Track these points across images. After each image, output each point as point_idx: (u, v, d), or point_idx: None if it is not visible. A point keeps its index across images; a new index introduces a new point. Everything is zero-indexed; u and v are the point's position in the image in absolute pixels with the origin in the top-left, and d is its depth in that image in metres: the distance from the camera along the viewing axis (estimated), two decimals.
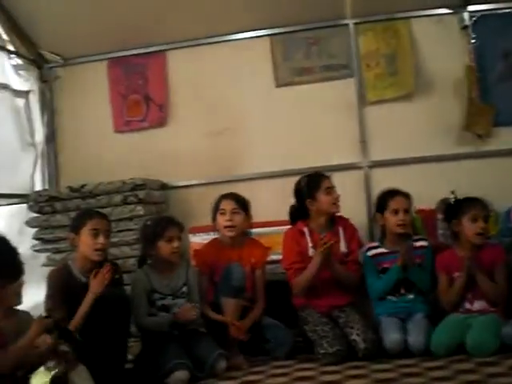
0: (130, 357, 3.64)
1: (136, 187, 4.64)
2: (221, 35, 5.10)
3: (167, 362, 3.38)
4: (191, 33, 5.08)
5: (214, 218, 4.07)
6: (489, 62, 4.75)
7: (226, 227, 4.00)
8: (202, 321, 3.75)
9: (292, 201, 4.16)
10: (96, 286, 3.32)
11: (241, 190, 4.80)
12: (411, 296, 3.82)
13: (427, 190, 4.55)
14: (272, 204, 4.70)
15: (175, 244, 3.71)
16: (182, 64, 5.19)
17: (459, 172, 4.67)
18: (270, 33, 5.05)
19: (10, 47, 5.04)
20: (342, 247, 3.98)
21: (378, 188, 4.36)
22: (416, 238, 4.00)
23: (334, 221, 4.05)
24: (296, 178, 4.20)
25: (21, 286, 3.10)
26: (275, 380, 3.33)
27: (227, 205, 4.04)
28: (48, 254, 4.76)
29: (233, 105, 5.10)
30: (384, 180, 4.62)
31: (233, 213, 4.01)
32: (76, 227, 3.52)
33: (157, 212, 4.81)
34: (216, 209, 4.06)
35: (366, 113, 4.91)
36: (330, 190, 4.00)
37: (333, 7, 4.76)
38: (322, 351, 3.56)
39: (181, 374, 3.35)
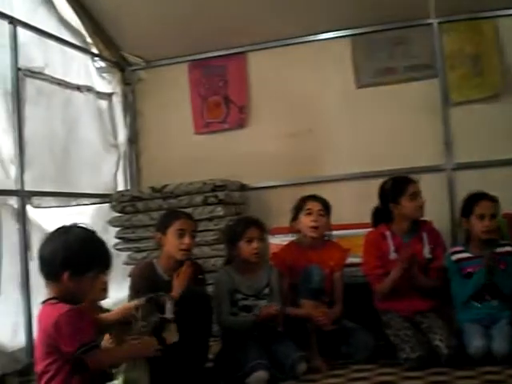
0: (210, 356, 3.66)
1: (216, 188, 4.68)
2: (302, 36, 5.10)
3: (248, 362, 3.37)
4: (271, 34, 5.09)
5: (296, 218, 4.03)
6: None
7: (311, 227, 3.97)
8: (282, 323, 3.72)
9: (373, 203, 4.09)
10: (178, 285, 3.35)
11: (321, 191, 4.75)
12: (495, 302, 3.70)
13: None
14: (352, 206, 4.67)
15: (255, 245, 3.70)
16: (263, 65, 5.21)
17: None
18: (351, 33, 5.01)
19: (94, 50, 5.19)
20: (426, 253, 3.89)
21: (462, 191, 4.25)
22: (502, 243, 3.87)
23: (418, 225, 3.96)
24: (377, 181, 4.13)
25: (107, 280, 3.18)
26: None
27: (314, 206, 4.01)
28: (129, 252, 4.85)
29: (313, 106, 5.08)
30: (468, 183, 4.50)
31: (319, 214, 3.98)
32: (163, 227, 3.56)
33: (236, 213, 4.83)
34: (299, 209, 4.03)
35: (450, 114, 4.82)
36: (416, 195, 3.90)
37: (416, 7, 4.66)
38: (405, 356, 3.49)
39: (261, 374, 3.34)
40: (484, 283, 3.68)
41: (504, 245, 3.84)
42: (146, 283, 3.38)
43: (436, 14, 4.77)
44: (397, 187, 3.93)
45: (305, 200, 4.06)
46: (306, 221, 3.99)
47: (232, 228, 3.87)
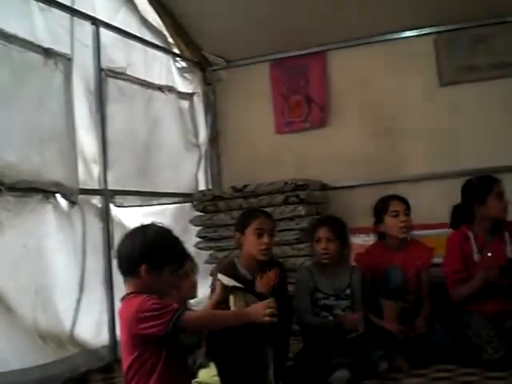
0: (290, 355, 3.68)
1: (297, 187, 4.71)
2: (383, 34, 5.09)
3: (330, 360, 3.39)
4: (352, 32, 5.10)
5: (380, 220, 4.01)
6: None
7: (400, 228, 3.96)
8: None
9: (454, 203, 4.03)
10: (262, 288, 3.37)
11: (402, 190, 4.74)
12: None
13: None
14: (433, 206, 4.62)
15: (322, 245, 3.71)
16: (343, 64, 5.23)
17: None
18: (434, 31, 4.97)
19: (175, 50, 5.29)
20: (508, 253, 3.82)
21: None
22: None
23: (500, 224, 3.89)
24: (459, 180, 4.06)
25: (196, 279, 3.25)
26: (437, 383, 3.26)
27: (400, 206, 3.99)
28: (211, 251, 4.93)
29: (395, 105, 5.07)
30: None
31: (405, 214, 3.97)
32: (242, 227, 3.57)
33: (317, 212, 4.84)
34: (383, 210, 3.99)
35: None
36: (501, 195, 3.84)
37: (499, 3, 4.60)
38: (487, 357, 3.45)
39: (343, 373, 3.35)
40: None
41: None
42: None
43: None
44: (483, 186, 3.87)
45: (387, 201, 4.04)
46: (393, 222, 3.97)
47: (308, 228, 3.92)
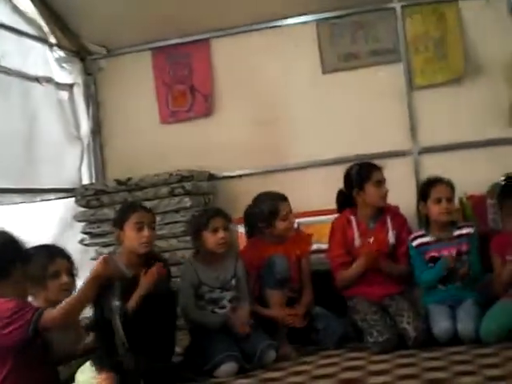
0: (179, 350, 3.64)
1: (183, 179, 4.64)
2: (266, 21, 5.05)
3: (216, 354, 3.37)
4: (235, 20, 5.04)
5: (271, 224, 3.90)
6: None
7: (288, 229, 3.93)
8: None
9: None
10: (145, 284, 3.30)
11: (289, 179, 4.84)
12: (459, 283, 3.74)
13: (478, 175, 4.47)
14: (320, 193, 4.66)
15: (220, 234, 3.67)
16: (227, 52, 5.17)
17: (510, 156, 4.54)
18: (315, 18, 4.98)
19: (52, 40, 5.05)
20: (391, 238, 3.90)
21: (427, 175, 4.24)
22: (461, 225, 3.91)
23: (383, 210, 3.97)
24: (344, 166, 4.12)
25: (68, 281, 3.12)
26: (324, 370, 3.29)
27: (288, 207, 3.95)
28: (96, 247, 4.79)
29: (279, 92, 5.05)
30: (434, 166, 4.53)
31: (291, 213, 3.95)
32: (120, 222, 3.49)
33: (205, 203, 4.80)
34: (274, 214, 3.89)
35: (415, 98, 4.82)
36: (380, 183, 3.91)
37: None
38: (372, 340, 3.52)
39: (229, 367, 3.35)
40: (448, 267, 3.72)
41: (463, 226, 3.88)
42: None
43: None
44: (362, 173, 3.93)
45: (277, 204, 3.92)
46: (285, 225, 3.91)
47: (196, 218, 3.84)
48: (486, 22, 4.70)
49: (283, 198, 3.93)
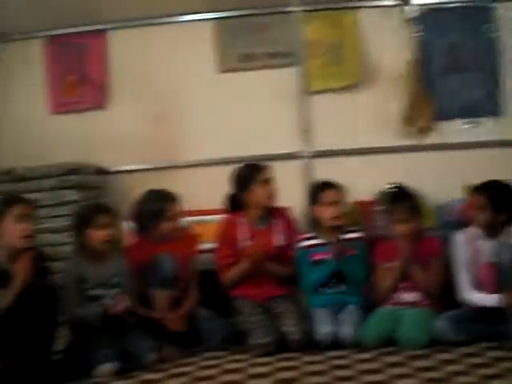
0: (60, 348, 3.51)
1: (70, 171, 4.50)
2: (164, 16, 4.99)
3: (95, 354, 3.29)
4: (134, 12, 4.94)
5: (156, 224, 3.83)
6: (432, 56, 4.78)
7: (173, 229, 3.85)
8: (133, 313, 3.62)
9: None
10: (18, 275, 3.17)
11: (181, 176, 4.78)
12: (344, 287, 3.79)
13: (368, 181, 4.56)
14: (211, 192, 4.58)
15: (105, 232, 3.57)
16: (124, 44, 5.05)
17: (400, 164, 4.71)
18: (215, 16, 4.96)
19: None
20: (278, 240, 3.91)
21: (319, 178, 4.29)
22: (349, 229, 3.97)
23: (271, 212, 3.97)
24: (236, 166, 4.10)
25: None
26: (204, 372, 3.26)
27: (175, 208, 3.87)
28: None
29: (175, 89, 4.99)
30: (326, 170, 4.60)
31: (180, 213, 3.90)
32: None
33: (92, 198, 4.67)
34: (160, 214, 3.82)
35: (310, 102, 4.87)
36: (267, 182, 3.90)
37: None
38: (254, 342, 3.50)
39: (108, 366, 3.26)
40: (333, 271, 3.76)
41: (352, 231, 3.93)
42: None
43: (298, 2, 4.83)
44: (248, 174, 3.92)
45: (166, 203, 3.86)
46: (167, 225, 3.84)
47: (81, 214, 3.73)
48: (383, 31, 4.81)
49: (171, 199, 3.86)
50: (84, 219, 3.63)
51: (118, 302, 3.50)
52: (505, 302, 3.29)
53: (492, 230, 3.52)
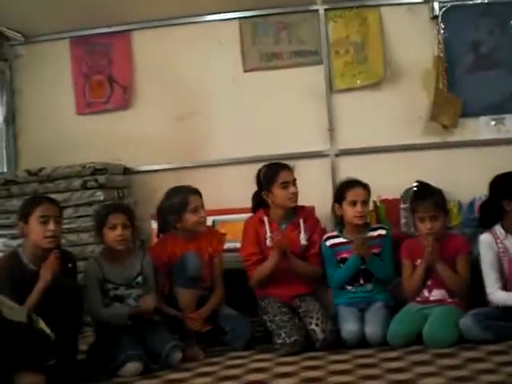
0: (84, 347, 3.56)
1: (96, 171, 4.54)
2: (189, 16, 4.99)
3: (120, 353, 3.30)
4: (158, 12, 4.96)
5: (181, 217, 3.84)
6: (457, 53, 4.74)
7: (199, 223, 3.86)
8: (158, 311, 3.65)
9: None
10: (44, 274, 3.21)
11: (206, 175, 4.81)
12: (370, 286, 3.78)
13: (393, 179, 4.57)
14: (238, 191, 4.63)
15: (118, 232, 3.59)
16: (148, 45, 5.07)
17: (425, 162, 4.68)
18: (239, 16, 4.96)
19: None
20: (302, 239, 3.90)
21: (344, 176, 4.28)
22: (375, 226, 3.98)
23: (296, 211, 3.97)
24: (260, 166, 4.09)
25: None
26: (230, 371, 3.26)
27: (198, 200, 3.88)
28: (4, 239, 4.62)
29: (199, 88, 5.00)
30: (351, 169, 4.59)
31: (203, 207, 3.90)
32: (24, 215, 3.37)
33: (118, 198, 4.70)
34: (184, 206, 3.83)
35: (334, 100, 4.86)
36: (287, 184, 3.87)
37: None
38: (280, 341, 3.50)
39: (133, 366, 3.28)
40: (358, 268, 3.75)
41: (376, 228, 3.92)
42: (8, 274, 3.21)
43: (322, 0, 4.82)
44: (268, 175, 3.92)
45: (186, 195, 3.87)
46: (195, 218, 3.84)
47: (97, 214, 3.77)
48: (407, 28, 4.79)
49: (194, 191, 3.88)
50: (100, 219, 3.66)
51: (145, 304, 3.52)
52: None
53: None
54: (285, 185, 3.87)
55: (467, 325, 3.36)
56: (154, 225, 4.37)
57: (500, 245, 3.52)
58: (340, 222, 3.97)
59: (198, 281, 3.71)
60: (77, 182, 4.51)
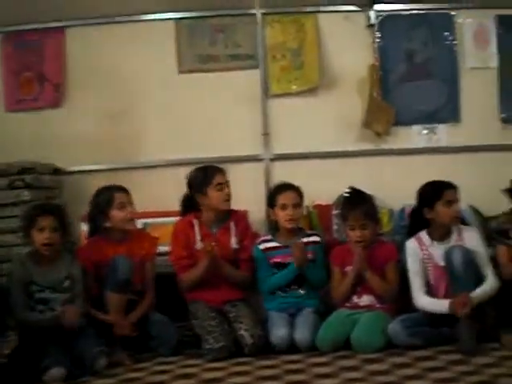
0: (6, 351, 3.46)
1: (24, 171, 4.39)
2: (125, 15, 4.90)
3: (44, 359, 3.22)
4: (93, 10, 4.84)
5: (107, 214, 3.80)
6: (392, 62, 4.79)
7: (125, 220, 3.81)
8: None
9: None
10: None
11: (138, 177, 4.73)
12: (302, 291, 3.78)
13: (327, 185, 4.58)
14: (170, 193, 4.53)
15: (46, 234, 3.50)
16: (82, 43, 4.94)
17: (359, 168, 4.72)
18: (175, 16, 4.90)
19: None
20: (233, 243, 3.88)
21: (278, 181, 4.27)
22: (308, 233, 3.98)
23: (227, 215, 3.94)
24: (192, 168, 4.07)
25: None
26: (156, 377, 3.22)
27: (124, 197, 3.84)
28: None
29: (133, 88, 4.90)
30: (285, 173, 4.57)
31: (130, 204, 3.84)
32: None
33: (47, 198, 4.56)
34: (109, 202, 3.79)
35: (270, 105, 4.85)
36: (222, 185, 3.87)
37: None
38: (208, 347, 3.48)
39: (56, 372, 3.19)
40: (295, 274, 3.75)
41: (310, 234, 3.93)
42: None
43: (260, 4, 4.81)
44: (203, 177, 3.89)
45: (112, 193, 3.85)
46: (121, 214, 3.80)
47: (24, 216, 3.67)
48: (344, 36, 4.82)
49: (119, 188, 3.85)
50: (28, 220, 3.56)
51: (68, 316, 3.41)
52: (456, 306, 3.30)
53: (443, 235, 3.55)
54: (220, 186, 3.85)
55: (395, 330, 3.39)
56: (84, 227, 4.29)
57: (425, 251, 3.57)
58: (274, 227, 3.95)
59: (128, 285, 3.64)
60: (3, 181, 4.35)
